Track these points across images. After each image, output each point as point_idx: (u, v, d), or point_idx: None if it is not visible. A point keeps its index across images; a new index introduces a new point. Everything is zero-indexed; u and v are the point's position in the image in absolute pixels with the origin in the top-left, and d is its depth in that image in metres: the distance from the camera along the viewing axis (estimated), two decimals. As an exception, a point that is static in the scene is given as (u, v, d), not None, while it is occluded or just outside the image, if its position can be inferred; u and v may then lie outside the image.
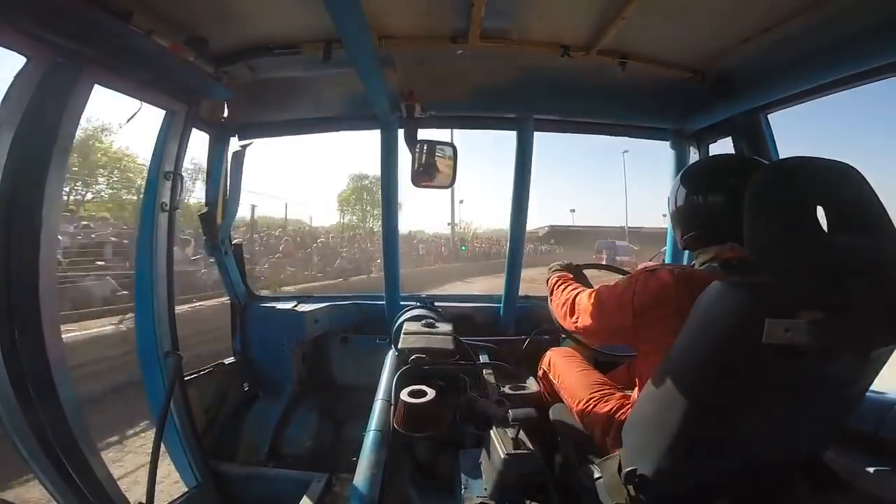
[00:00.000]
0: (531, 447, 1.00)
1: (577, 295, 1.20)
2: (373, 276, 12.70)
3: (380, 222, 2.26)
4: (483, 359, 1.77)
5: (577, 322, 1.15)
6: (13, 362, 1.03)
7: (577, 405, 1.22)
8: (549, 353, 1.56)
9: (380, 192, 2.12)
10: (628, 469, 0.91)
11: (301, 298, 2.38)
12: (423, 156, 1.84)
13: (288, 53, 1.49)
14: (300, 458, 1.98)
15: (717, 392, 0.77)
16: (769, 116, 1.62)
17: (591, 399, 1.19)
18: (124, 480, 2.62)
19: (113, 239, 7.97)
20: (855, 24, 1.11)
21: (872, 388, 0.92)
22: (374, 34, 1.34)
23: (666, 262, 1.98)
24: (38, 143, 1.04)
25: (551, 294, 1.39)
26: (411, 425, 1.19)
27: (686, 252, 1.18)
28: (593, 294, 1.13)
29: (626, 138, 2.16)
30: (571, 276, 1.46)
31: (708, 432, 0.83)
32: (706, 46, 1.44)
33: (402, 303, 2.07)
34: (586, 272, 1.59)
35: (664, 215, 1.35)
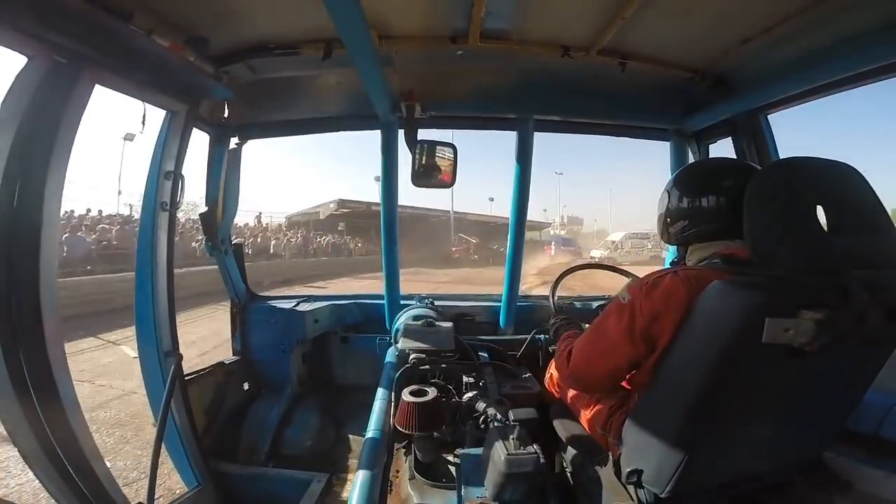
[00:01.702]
0: (531, 447, 1.00)
1: (570, 346, 1.13)
2: None
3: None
4: (483, 358, 1.77)
5: (576, 375, 1.08)
6: (14, 362, 1.03)
7: (580, 406, 1.23)
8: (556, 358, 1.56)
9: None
10: (629, 469, 0.91)
11: (301, 298, 2.38)
12: (423, 156, 1.84)
13: (288, 53, 1.49)
14: (300, 458, 1.98)
15: (718, 391, 0.78)
16: (769, 117, 1.62)
17: (593, 398, 1.19)
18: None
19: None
20: (855, 24, 1.11)
21: (872, 387, 0.92)
22: (374, 34, 1.34)
23: (666, 262, 1.98)
24: (38, 143, 1.04)
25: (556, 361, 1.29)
26: (412, 425, 1.19)
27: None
28: (586, 333, 1.08)
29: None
30: (575, 332, 1.38)
31: (708, 432, 0.83)
32: (706, 47, 1.44)
33: (402, 302, 2.07)
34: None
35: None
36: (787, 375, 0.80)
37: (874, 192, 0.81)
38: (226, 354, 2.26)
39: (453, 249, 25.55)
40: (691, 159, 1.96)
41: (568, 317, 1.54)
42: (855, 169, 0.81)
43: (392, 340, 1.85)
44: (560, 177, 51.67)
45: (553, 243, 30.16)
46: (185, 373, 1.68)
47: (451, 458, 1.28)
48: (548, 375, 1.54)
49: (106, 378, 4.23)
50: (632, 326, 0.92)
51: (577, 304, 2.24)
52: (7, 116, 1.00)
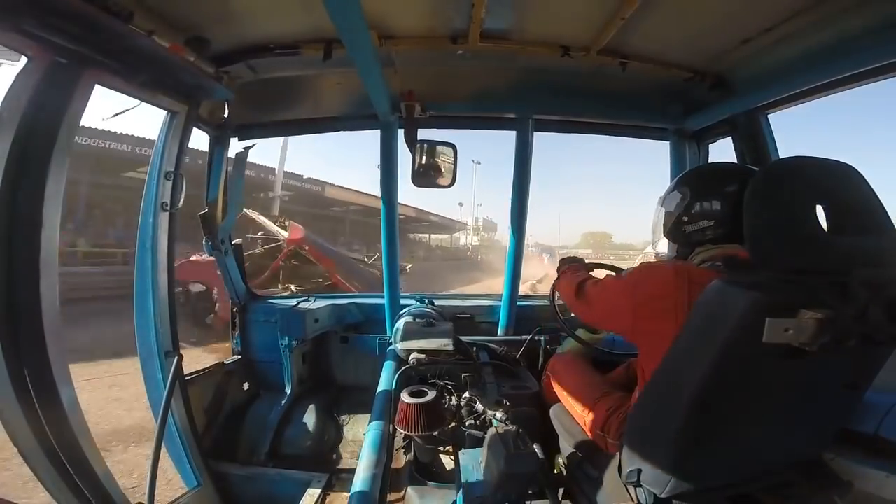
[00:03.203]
0: (531, 447, 1.00)
1: (584, 279, 1.24)
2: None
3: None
4: (483, 358, 1.77)
5: (583, 304, 1.19)
6: (14, 362, 1.03)
7: (579, 408, 1.23)
8: (551, 360, 1.56)
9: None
10: (628, 469, 0.91)
11: (301, 298, 2.38)
12: (423, 156, 1.85)
13: (288, 54, 1.49)
14: (300, 458, 1.98)
15: (717, 391, 0.78)
16: (769, 116, 1.62)
17: (591, 400, 1.19)
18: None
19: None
20: (855, 24, 1.11)
21: (872, 387, 0.92)
22: (374, 34, 1.34)
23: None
24: (38, 143, 1.04)
25: (559, 280, 1.46)
26: (412, 425, 1.19)
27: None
28: (599, 282, 1.17)
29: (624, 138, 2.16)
30: (578, 266, 1.52)
31: (707, 432, 0.83)
32: (706, 47, 1.44)
33: (402, 302, 2.07)
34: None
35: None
36: (787, 375, 0.80)
37: (874, 191, 0.81)
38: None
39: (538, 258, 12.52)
40: (690, 159, 1.96)
41: (575, 258, 1.63)
42: (855, 169, 0.81)
43: (392, 340, 1.85)
44: (478, 167, 39.16)
45: (543, 254, 33.51)
46: (184, 373, 1.68)
47: (450, 458, 1.28)
48: (545, 377, 1.54)
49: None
50: (622, 299, 0.99)
51: None
52: (7, 116, 1.00)
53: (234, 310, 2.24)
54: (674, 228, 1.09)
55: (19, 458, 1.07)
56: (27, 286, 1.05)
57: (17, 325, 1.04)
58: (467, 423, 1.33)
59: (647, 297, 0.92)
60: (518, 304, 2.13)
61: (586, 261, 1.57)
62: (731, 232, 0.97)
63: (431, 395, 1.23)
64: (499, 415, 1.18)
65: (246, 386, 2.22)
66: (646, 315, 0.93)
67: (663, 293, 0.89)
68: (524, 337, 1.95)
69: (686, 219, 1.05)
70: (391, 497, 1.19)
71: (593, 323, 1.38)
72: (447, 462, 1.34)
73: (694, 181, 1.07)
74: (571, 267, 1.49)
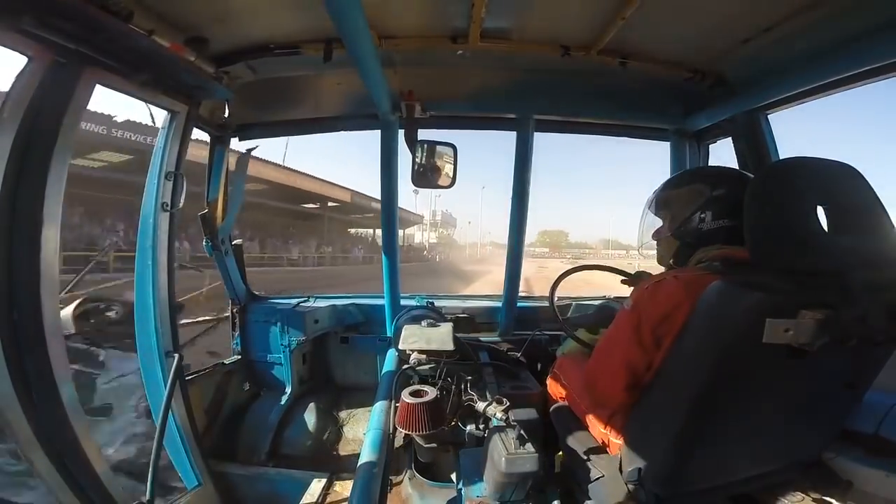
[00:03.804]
0: (531, 447, 1.00)
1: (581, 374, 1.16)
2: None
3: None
4: (483, 358, 1.77)
5: (590, 385, 1.09)
6: (14, 361, 1.03)
7: (583, 407, 1.23)
8: (559, 360, 1.56)
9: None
10: (630, 468, 0.91)
11: (301, 298, 2.38)
12: (423, 156, 1.85)
13: (288, 53, 1.49)
14: (300, 458, 1.98)
15: (718, 391, 0.78)
16: (769, 116, 1.62)
17: (595, 399, 1.19)
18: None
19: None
20: (855, 24, 1.11)
21: (872, 387, 0.92)
22: (374, 34, 1.34)
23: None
24: (38, 143, 1.05)
25: (556, 377, 1.43)
26: (412, 425, 1.19)
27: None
28: (598, 345, 1.11)
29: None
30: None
31: (709, 432, 0.83)
32: (706, 46, 1.44)
33: (402, 303, 2.07)
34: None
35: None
36: (788, 375, 0.80)
37: (874, 192, 0.81)
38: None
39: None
40: (690, 159, 1.96)
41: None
42: (855, 169, 0.81)
43: (392, 341, 1.85)
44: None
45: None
46: (185, 373, 1.68)
47: (450, 457, 1.28)
48: (550, 376, 1.54)
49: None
50: (640, 331, 0.92)
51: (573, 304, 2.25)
52: (7, 116, 1.00)
53: (235, 310, 2.24)
54: (685, 225, 1.05)
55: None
56: (27, 286, 1.05)
57: (18, 324, 1.04)
58: (468, 423, 1.33)
59: (663, 314, 0.89)
60: (518, 304, 2.13)
61: (579, 263, 1.53)
62: (722, 233, 0.97)
63: (432, 394, 1.23)
64: (499, 414, 1.18)
65: (246, 386, 2.22)
66: (664, 332, 0.90)
67: (677, 307, 0.86)
68: (524, 337, 1.95)
69: (704, 216, 1.01)
70: (391, 496, 1.19)
71: (614, 387, 1.00)
72: (447, 462, 1.34)
73: (723, 180, 1.02)
74: (566, 362, 1.42)
